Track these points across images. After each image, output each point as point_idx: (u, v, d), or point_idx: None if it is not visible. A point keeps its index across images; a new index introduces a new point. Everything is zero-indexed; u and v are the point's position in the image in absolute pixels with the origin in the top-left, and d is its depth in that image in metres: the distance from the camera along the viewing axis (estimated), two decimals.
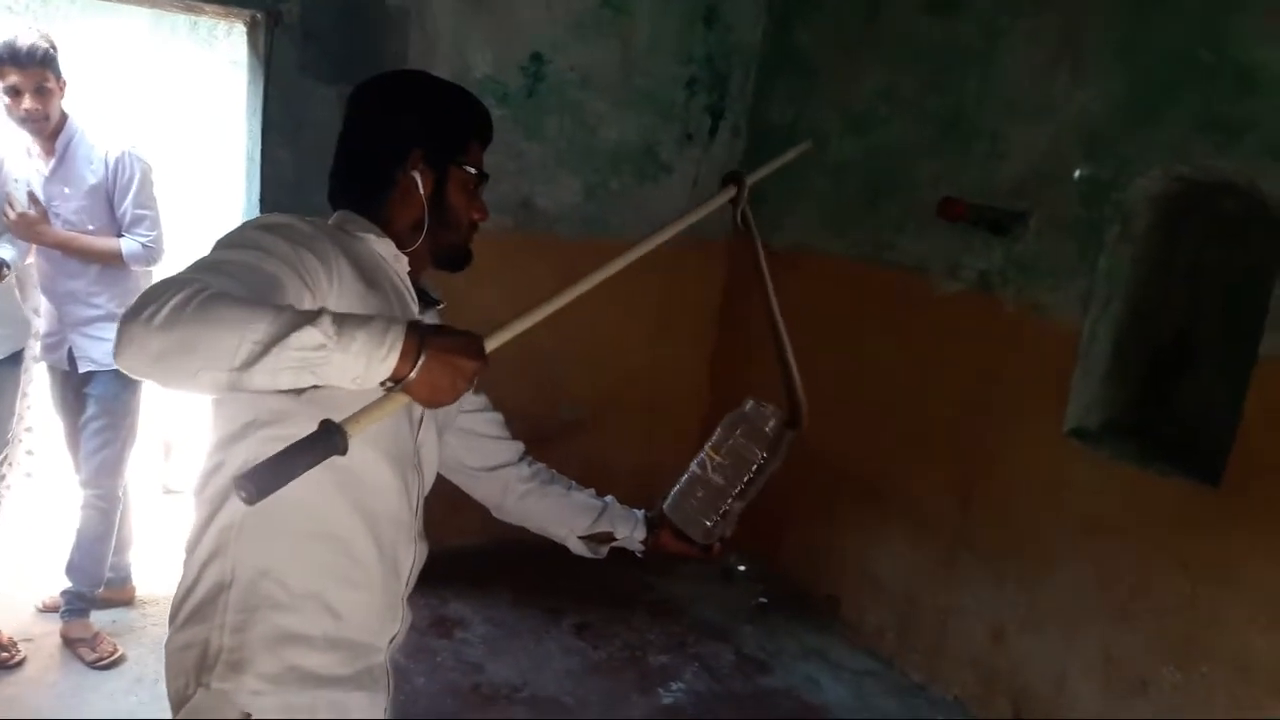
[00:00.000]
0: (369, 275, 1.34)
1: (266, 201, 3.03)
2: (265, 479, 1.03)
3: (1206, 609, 2.27)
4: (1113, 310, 2.57)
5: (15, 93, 2.82)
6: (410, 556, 1.46)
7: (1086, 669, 2.54)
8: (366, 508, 1.37)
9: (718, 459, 1.66)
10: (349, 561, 1.38)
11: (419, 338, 1.06)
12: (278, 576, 1.33)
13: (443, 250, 1.49)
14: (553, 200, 3.50)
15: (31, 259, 3.15)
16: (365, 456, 1.34)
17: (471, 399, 1.62)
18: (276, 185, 3.04)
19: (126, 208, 3.08)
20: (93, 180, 3.06)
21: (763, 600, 3.38)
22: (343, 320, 1.04)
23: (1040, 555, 2.66)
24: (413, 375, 1.06)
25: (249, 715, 1.31)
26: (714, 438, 1.67)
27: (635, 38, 3.52)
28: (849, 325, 3.28)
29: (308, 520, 1.34)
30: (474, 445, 1.66)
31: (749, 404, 1.66)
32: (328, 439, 1.04)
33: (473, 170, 1.46)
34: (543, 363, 3.62)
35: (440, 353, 1.07)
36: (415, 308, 1.44)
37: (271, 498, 1.09)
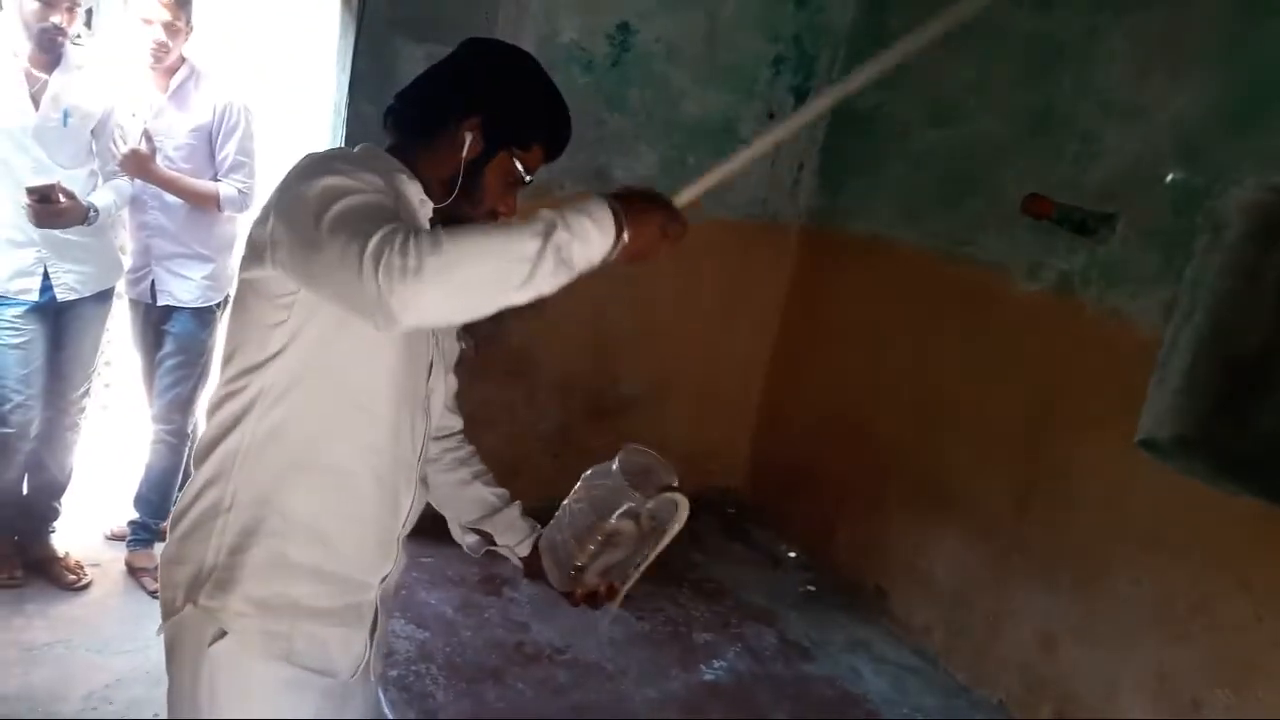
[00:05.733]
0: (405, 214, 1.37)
1: None
2: None
3: (1268, 632, 2.21)
4: (1195, 321, 2.49)
5: (147, 23, 3.00)
6: (410, 498, 1.49)
7: (1137, 684, 2.49)
8: (372, 444, 1.41)
9: (575, 507, 1.51)
10: (348, 495, 1.42)
11: (620, 211, 1.23)
12: (277, 505, 1.37)
13: (453, 221, 1.45)
14: (628, 172, 3.50)
15: None
16: (378, 393, 1.40)
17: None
18: (360, 139, 3.06)
19: (228, 153, 3.21)
20: (198, 122, 3.18)
21: (810, 588, 3.37)
22: (566, 217, 1.19)
23: (1097, 565, 2.61)
24: (626, 241, 1.24)
25: (224, 633, 1.36)
26: (579, 486, 1.53)
27: (723, 12, 3.49)
28: (920, 318, 3.24)
29: (311, 451, 1.38)
30: None
31: (616, 461, 1.48)
32: None
33: (521, 167, 1.46)
34: (606, 337, 3.63)
35: (640, 216, 1.25)
36: None
37: (278, 427, 1.32)
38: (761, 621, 3.07)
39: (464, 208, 1.46)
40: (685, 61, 3.50)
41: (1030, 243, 2.85)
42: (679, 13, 3.42)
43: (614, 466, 1.48)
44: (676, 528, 1.47)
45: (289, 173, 1.35)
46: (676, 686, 2.65)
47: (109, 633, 2.89)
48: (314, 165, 1.32)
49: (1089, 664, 2.61)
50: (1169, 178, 2.52)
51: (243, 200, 3.27)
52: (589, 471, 1.53)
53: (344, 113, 3.15)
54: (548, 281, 1.18)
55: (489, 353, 3.16)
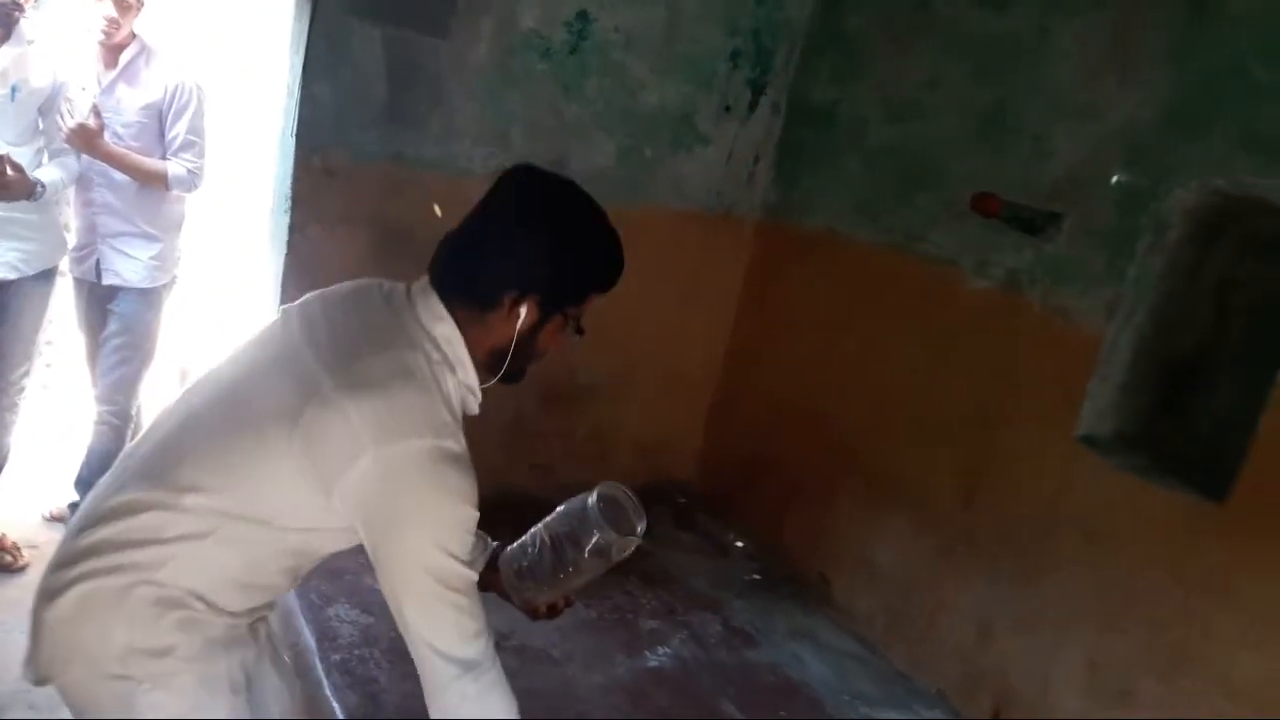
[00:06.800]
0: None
1: (302, 136, 3.04)
2: None
3: (1198, 623, 2.27)
4: (1136, 320, 2.56)
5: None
6: None
7: (1070, 674, 2.54)
8: (305, 573, 1.55)
9: (546, 539, 1.60)
10: (265, 602, 1.52)
11: None
12: (201, 596, 1.41)
13: (507, 372, 1.51)
14: (586, 162, 3.49)
15: None
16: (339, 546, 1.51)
17: None
18: (314, 121, 3.05)
19: (178, 132, 3.18)
20: (149, 99, 3.14)
21: (756, 576, 3.40)
22: None
23: (1037, 557, 2.66)
24: None
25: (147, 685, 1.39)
26: (554, 515, 1.62)
27: (683, 4, 3.50)
28: (872, 312, 3.27)
29: (247, 572, 1.44)
30: None
31: (594, 495, 1.56)
32: None
33: (572, 323, 1.49)
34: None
35: None
36: None
37: (231, 560, 1.40)
38: (707, 609, 3.09)
39: (516, 365, 1.49)
40: (643, 52, 3.49)
41: (979, 240, 2.89)
42: (638, 3, 3.42)
43: (591, 500, 1.54)
44: (621, 557, 1.57)
45: (407, 466, 1.35)
46: (622, 672, 2.66)
47: None
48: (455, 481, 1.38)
49: (1024, 654, 2.66)
50: (1115, 179, 2.57)
51: (191, 180, 3.23)
52: (563, 505, 1.60)
53: (297, 94, 3.12)
54: None
55: None
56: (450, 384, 1.43)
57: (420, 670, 1.42)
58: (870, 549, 3.18)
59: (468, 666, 1.39)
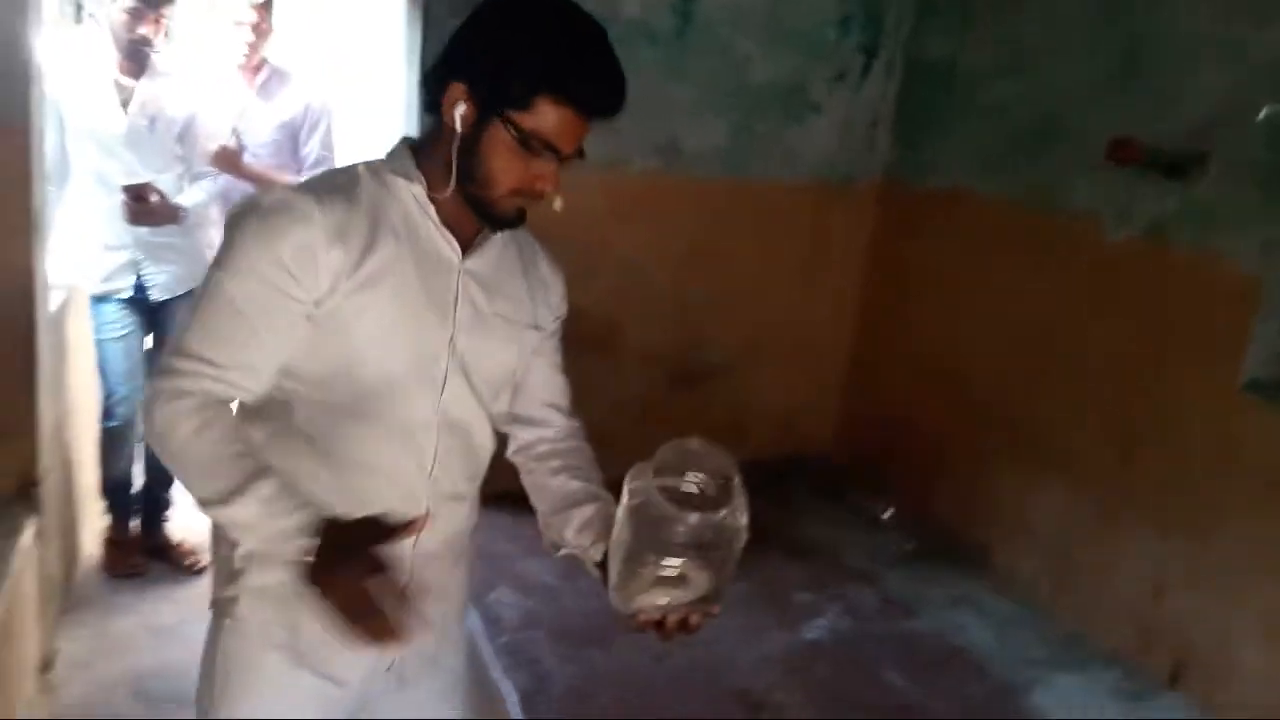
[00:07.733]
0: (375, 229, 1.25)
1: None
2: None
3: None
4: None
5: (238, 25, 3.25)
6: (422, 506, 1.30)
7: (1251, 630, 2.44)
8: (361, 489, 1.31)
9: (619, 535, 1.20)
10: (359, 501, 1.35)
11: (317, 571, 1.13)
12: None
13: (474, 206, 1.27)
14: (698, 142, 3.49)
15: None
16: (362, 438, 1.31)
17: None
18: None
19: (312, 149, 3.34)
20: (283, 119, 3.31)
21: (908, 545, 3.35)
22: (259, 520, 1.18)
23: (1208, 510, 2.55)
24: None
25: (229, 620, 1.39)
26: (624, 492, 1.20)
27: None
28: (1007, 268, 3.18)
29: (323, 444, 1.32)
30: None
31: (653, 463, 1.18)
32: None
33: (517, 133, 1.19)
34: (687, 305, 3.64)
35: (331, 578, 1.11)
36: (452, 253, 1.31)
37: (291, 426, 1.30)
38: (860, 580, 3.07)
39: (473, 192, 1.25)
40: (750, 27, 3.47)
41: (1118, 189, 2.79)
42: None
43: (651, 477, 1.17)
44: (731, 539, 1.18)
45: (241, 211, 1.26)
46: (778, 647, 2.67)
47: None
48: (244, 229, 1.22)
49: (1202, 611, 2.56)
50: (1263, 113, 2.44)
51: None
52: (630, 476, 1.21)
53: (415, 107, 3.20)
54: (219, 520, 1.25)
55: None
56: (405, 192, 1.29)
57: None
58: (1027, 510, 3.10)
59: (167, 372, 1.22)
